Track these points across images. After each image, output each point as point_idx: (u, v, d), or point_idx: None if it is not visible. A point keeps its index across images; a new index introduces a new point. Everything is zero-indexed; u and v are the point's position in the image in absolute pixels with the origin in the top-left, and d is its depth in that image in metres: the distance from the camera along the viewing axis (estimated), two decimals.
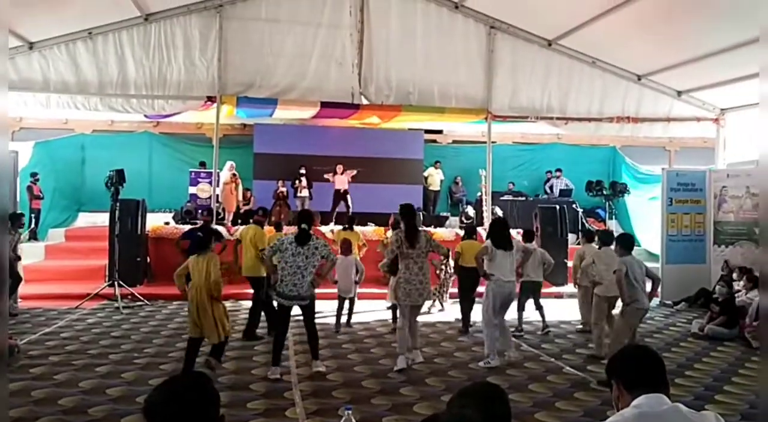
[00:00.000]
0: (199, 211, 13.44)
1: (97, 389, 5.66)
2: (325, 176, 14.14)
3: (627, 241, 6.66)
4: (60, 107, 10.96)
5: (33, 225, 13.50)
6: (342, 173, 14.11)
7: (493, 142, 13.45)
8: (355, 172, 14.24)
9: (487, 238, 7.13)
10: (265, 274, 7.86)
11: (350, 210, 13.19)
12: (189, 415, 1.69)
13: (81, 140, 15.55)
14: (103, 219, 12.79)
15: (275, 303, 6.58)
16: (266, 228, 8.75)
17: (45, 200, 13.90)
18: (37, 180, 13.52)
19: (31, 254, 12.08)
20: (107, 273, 10.90)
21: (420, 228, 6.77)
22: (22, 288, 9.85)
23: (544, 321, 8.51)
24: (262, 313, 8.08)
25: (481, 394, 1.97)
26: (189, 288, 6.11)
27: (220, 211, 12.64)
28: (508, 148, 16.96)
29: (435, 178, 16.03)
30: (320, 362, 6.38)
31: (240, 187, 14.26)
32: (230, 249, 9.15)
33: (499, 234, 6.90)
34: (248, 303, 10.09)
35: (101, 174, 11.81)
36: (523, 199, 15.91)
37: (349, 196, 13.92)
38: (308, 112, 12.67)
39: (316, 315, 6.53)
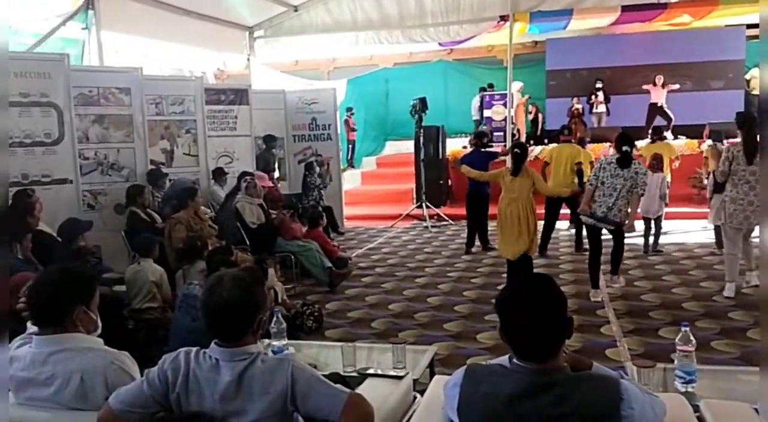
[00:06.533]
0: (493, 134, 13.65)
1: (419, 297, 6.24)
2: (644, 87, 13.07)
3: None
4: (367, 43, 11.82)
5: (350, 155, 15.16)
6: (662, 86, 12.89)
7: None
8: (677, 86, 12.89)
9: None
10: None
11: (671, 123, 12.33)
12: (541, 310, 1.72)
13: (384, 74, 16.71)
14: (407, 146, 13.77)
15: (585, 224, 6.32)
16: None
17: (358, 132, 15.46)
18: (353, 114, 15.06)
19: (350, 180, 13.63)
20: (414, 195, 11.79)
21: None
22: (347, 210, 11.21)
23: None
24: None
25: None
26: (505, 207, 6.11)
27: (514, 132, 12.64)
28: None
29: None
30: (618, 277, 6.12)
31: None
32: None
33: None
34: None
35: (403, 104, 12.60)
36: None
37: (667, 111, 12.76)
38: (606, 19, 11.71)
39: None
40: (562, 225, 9.84)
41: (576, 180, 7.65)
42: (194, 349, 2.00)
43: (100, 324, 2.21)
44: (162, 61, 10.60)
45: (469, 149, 9.94)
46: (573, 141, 8.40)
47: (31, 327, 2.24)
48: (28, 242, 4.57)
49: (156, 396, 1.94)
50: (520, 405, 1.68)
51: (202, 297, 2.03)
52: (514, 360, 1.78)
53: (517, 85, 13.47)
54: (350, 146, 15.19)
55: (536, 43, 15.13)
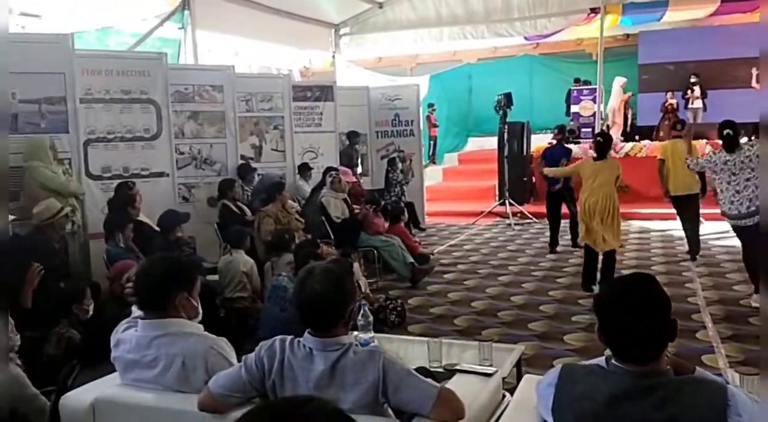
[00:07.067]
0: (581, 130, 13.26)
1: (502, 295, 6.15)
2: (753, 85, 12.26)
3: None
4: (451, 39, 11.77)
5: (431, 152, 15.13)
6: None
7: None
8: None
9: None
10: (698, 190, 7.24)
11: None
12: (644, 311, 1.66)
13: (468, 70, 16.54)
14: (490, 142, 13.60)
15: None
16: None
17: (440, 128, 15.40)
18: (434, 110, 15.02)
19: (431, 176, 13.59)
20: (497, 192, 11.62)
21: None
22: (429, 206, 11.20)
23: None
24: None
25: None
26: (585, 198, 5.95)
27: (604, 128, 12.23)
28: None
29: None
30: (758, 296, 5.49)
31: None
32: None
33: None
34: (640, 224, 9.81)
35: (486, 100, 12.41)
36: None
37: None
38: (704, 10, 11.19)
39: None
40: (653, 225, 9.51)
41: (698, 178, 7.19)
42: (289, 338, 2.06)
43: (200, 310, 2.30)
44: (251, 58, 10.94)
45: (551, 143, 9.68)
46: (683, 137, 7.87)
47: (136, 312, 2.36)
48: (130, 231, 4.83)
49: (253, 382, 2.01)
50: (619, 407, 1.63)
51: (294, 290, 2.08)
52: (613, 361, 1.72)
53: (620, 81, 13.00)
54: (432, 142, 15.15)
55: (628, 35, 14.57)
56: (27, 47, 5.43)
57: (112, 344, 2.31)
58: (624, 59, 14.80)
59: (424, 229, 10.18)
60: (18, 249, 4.39)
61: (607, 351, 1.76)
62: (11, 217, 4.62)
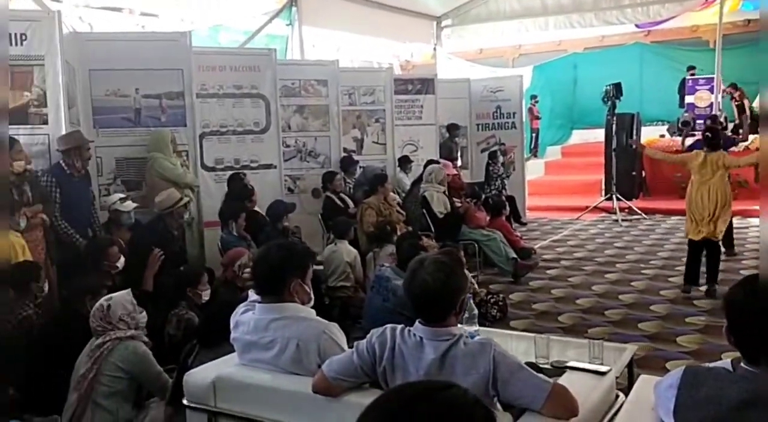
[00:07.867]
0: (696, 122, 12.52)
1: (609, 293, 5.93)
2: None
3: None
4: (557, 28, 11.41)
5: (533, 144, 14.80)
6: None
7: None
8: None
9: None
10: None
11: None
12: None
13: (573, 59, 15.99)
14: (595, 135, 13.12)
15: None
16: None
17: (543, 120, 15.02)
18: (537, 101, 14.67)
19: (533, 170, 13.28)
20: (603, 187, 11.20)
21: None
22: (530, 200, 10.97)
23: None
24: None
25: None
26: (694, 192, 5.71)
27: (722, 119, 11.50)
28: None
29: None
30: None
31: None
32: None
33: None
34: (759, 221, 9.13)
35: (592, 91, 11.94)
36: None
37: None
38: None
39: None
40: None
41: None
42: (399, 326, 2.08)
43: (312, 296, 2.38)
44: (353, 53, 11.11)
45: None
46: None
47: (253, 296, 2.47)
48: (243, 221, 5.05)
49: (364, 368, 2.05)
50: (749, 413, 1.54)
51: (405, 281, 2.09)
52: (742, 364, 1.63)
53: None
54: (534, 135, 14.81)
55: (749, 21, 13.60)
56: (148, 45, 5.79)
57: (231, 326, 2.42)
58: (745, 46, 13.81)
59: (525, 224, 9.97)
60: (141, 236, 4.70)
61: (725, 354, 1.66)
62: (133, 205, 4.95)
